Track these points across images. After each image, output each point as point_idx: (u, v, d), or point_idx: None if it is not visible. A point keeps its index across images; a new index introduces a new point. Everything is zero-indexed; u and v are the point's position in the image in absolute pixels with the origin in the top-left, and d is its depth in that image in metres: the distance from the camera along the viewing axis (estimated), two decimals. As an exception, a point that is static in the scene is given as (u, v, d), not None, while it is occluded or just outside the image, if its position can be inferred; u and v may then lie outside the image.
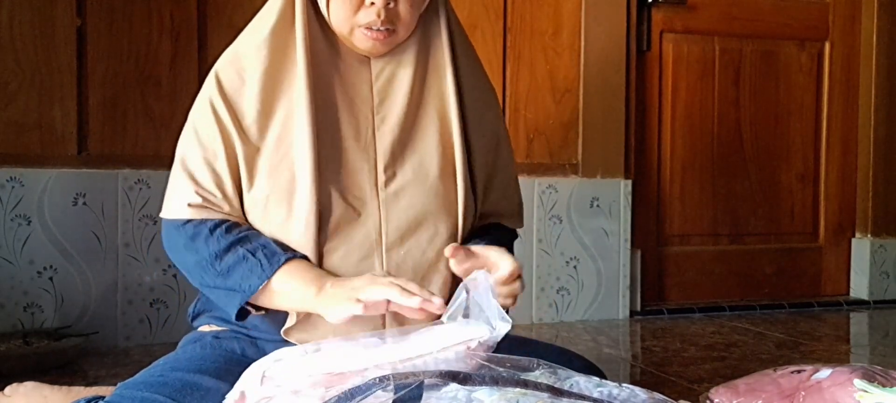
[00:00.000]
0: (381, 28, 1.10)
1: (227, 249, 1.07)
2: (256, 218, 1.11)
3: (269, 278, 1.05)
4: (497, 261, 1.08)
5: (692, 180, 2.73)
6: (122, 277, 2.06)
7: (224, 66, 1.15)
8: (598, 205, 2.52)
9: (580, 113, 2.50)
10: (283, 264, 1.05)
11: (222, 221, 1.10)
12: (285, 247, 1.09)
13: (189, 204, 1.10)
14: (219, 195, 1.10)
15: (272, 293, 1.06)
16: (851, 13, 2.91)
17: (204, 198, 1.10)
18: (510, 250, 1.21)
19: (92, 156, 2.06)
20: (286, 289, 1.05)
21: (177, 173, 1.13)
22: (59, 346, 1.86)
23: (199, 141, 1.12)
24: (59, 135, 2.03)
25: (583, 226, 2.50)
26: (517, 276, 1.08)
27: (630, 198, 2.55)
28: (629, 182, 2.56)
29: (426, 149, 1.16)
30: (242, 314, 1.10)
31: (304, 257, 1.08)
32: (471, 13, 2.38)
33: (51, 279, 2.00)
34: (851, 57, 2.91)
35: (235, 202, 1.11)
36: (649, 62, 2.66)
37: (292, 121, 1.11)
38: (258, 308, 1.11)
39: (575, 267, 2.49)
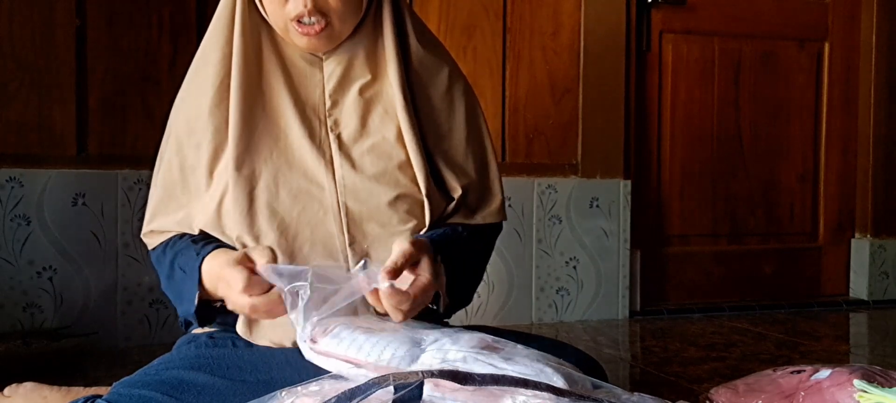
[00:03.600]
0: (312, 21, 1.07)
1: (171, 267, 1.11)
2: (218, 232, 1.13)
3: (197, 289, 1.05)
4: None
5: (692, 180, 2.73)
6: (122, 277, 2.06)
7: (184, 87, 1.18)
8: (597, 206, 2.52)
9: (580, 113, 2.50)
10: (200, 268, 1.05)
11: (168, 240, 1.14)
12: (208, 242, 1.10)
13: (144, 234, 1.16)
14: (174, 219, 1.14)
15: (211, 292, 1.06)
16: (851, 13, 2.91)
17: (159, 224, 1.15)
18: (470, 248, 1.17)
19: (91, 156, 2.06)
20: (213, 288, 1.05)
21: (148, 205, 1.19)
22: (58, 346, 1.86)
23: (160, 168, 1.17)
24: (59, 136, 2.03)
25: (582, 227, 2.50)
26: (402, 269, 0.97)
27: (629, 198, 2.55)
28: (629, 182, 2.56)
29: (383, 144, 1.14)
30: (209, 317, 1.12)
31: (221, 245, 1.09)
32: (471, 13, 2.38)
33: (50, 279, 2.00)
34: (851, 57, 2.91)
35: (192, 221, 1.13)
36: (649, 62, 2.66)
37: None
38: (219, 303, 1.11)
39: (574, 267, 2.49)
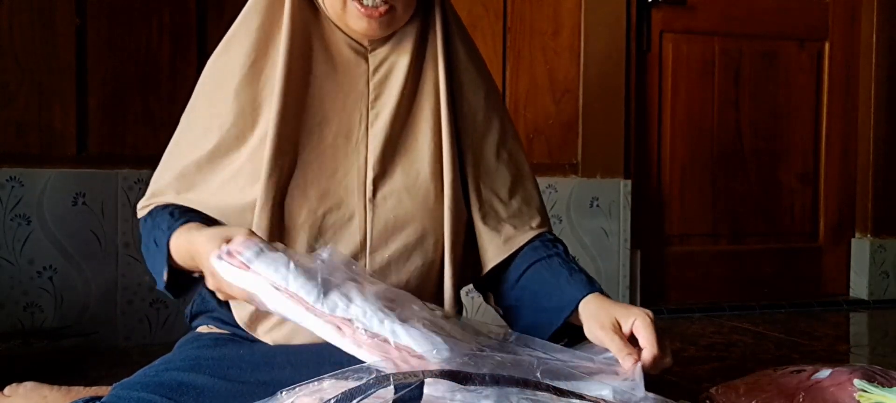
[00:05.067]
0: (376, 3, 1.04)
1: (148, 238, 1.10)
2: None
3: (166, 262, 1.04)
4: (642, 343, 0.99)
5: (692, 180, 2.73)
6: (122, 277, 2.06)
7: (211, 63, 1.14)
8: (597, 205, 2.52)
9: (580, 113, 2.50)
10: (169, 241, 1.03)
11: (152, 209, 1.12)
12: (184, 215, 1.08)
13: (142, 206, 1.14)
14: (170, 194, 1.11)
15: (182, 267, 1.05)
16: (851, 13, 2.91)
17: (153, 198, 1.12)
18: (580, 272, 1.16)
19: (92, 156, 2.06)
20: (183, 262, 1.03)
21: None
22: (58, 346, 1.86)
23: (177, 145, 1.14)
24: (59, 135, 2.03)
25: (582, 226, 2.50)
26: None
27: (630, 198, 2.55)
28: (629, 182, 2.56)
29: (418, 148, 1.12)
30: (181, 290, 1.10)
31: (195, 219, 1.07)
32: (471, 13, 2.38)
33: (51, 279, 2.00)
34: (851, 57, 2.91)
35: (190, 190, 1.11)
36: (649, 62, 2.66)
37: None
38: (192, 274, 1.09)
39: (575, 267, 2.49)
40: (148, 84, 2.09)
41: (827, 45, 2.89)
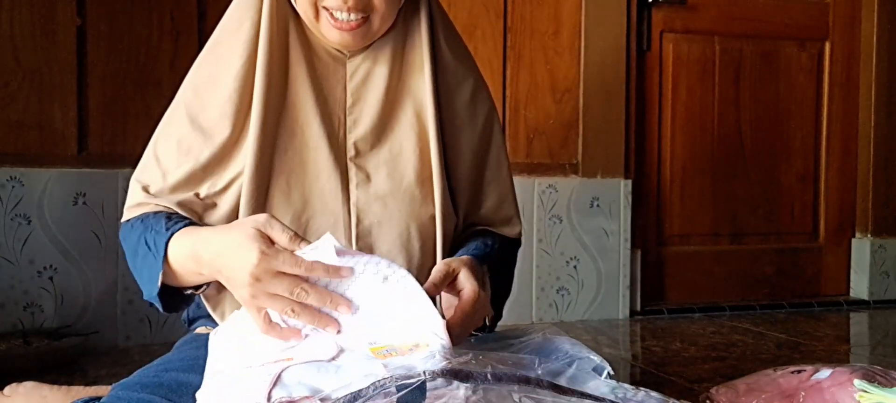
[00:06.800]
0: (350, 17, 1.02)
1: (137, 241, 1.04)
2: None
3: (162, 265, 0.99)
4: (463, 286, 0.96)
5: (692, 180, 2.73)
6: (122, 277, 2.06)
7: (194, 70, 1.12)
8: (598, 205, 2.52)
9: (580, 113, 2.50)
10: (168, 242, 0.99)
11: (144, 213, 1.07)
12: (180, 218, 1.04)
13: (129, 207, 1.09)
14: (163, 199, 1.07)
15: (177, 275, 1.01)
16: (851, 13, 2.91)
17: (147, 199, 1.08)
18: (502, 260, 1.15)
19: (92, 155, 2.06)
20: (182, 268, 1.00)
21: (133, 181, 1.12)
22: (59, 346, 1.86)
23: (156, 153, 1.10)
24: (59, 135, 2.03)
25: (583, 226, 2.50)
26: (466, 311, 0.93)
27: (630, 197, 2.55)
28: (629, 182, 2.56)
29: (401, 152, 1.11)
30: (176, 305, 1.07)
31: (191, 222, 1.03)
32: (471, 13, 2.38)
33: (51, 279, 2.00)
34: (851, 57, 2.91)
35: (186, 205, 1.07)
36: (649, 62, 2.66)
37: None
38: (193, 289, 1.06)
39: (575, 266, 2.49)
40: (148, 83, 2.09)
41: (827, 45, 2.89)
